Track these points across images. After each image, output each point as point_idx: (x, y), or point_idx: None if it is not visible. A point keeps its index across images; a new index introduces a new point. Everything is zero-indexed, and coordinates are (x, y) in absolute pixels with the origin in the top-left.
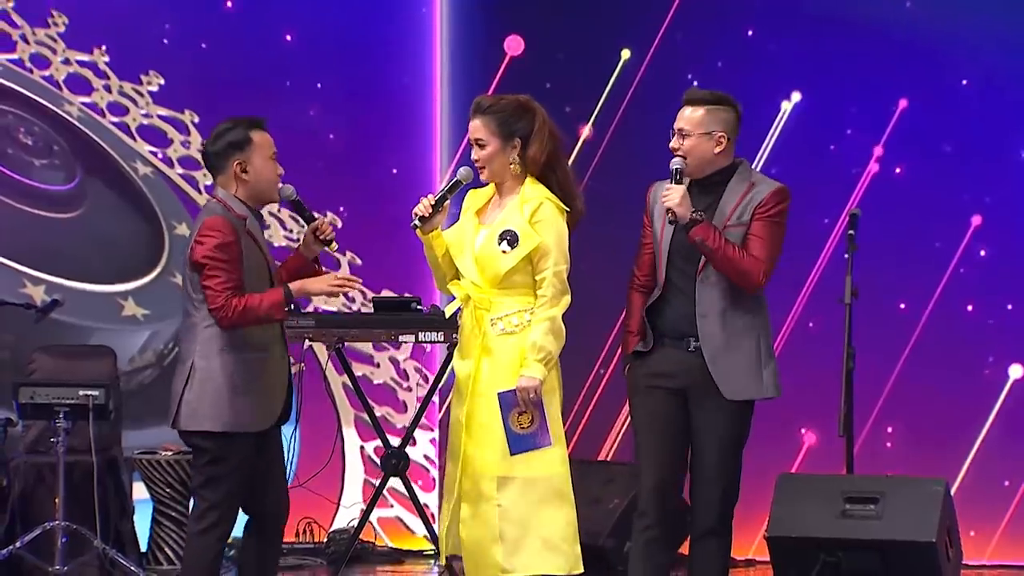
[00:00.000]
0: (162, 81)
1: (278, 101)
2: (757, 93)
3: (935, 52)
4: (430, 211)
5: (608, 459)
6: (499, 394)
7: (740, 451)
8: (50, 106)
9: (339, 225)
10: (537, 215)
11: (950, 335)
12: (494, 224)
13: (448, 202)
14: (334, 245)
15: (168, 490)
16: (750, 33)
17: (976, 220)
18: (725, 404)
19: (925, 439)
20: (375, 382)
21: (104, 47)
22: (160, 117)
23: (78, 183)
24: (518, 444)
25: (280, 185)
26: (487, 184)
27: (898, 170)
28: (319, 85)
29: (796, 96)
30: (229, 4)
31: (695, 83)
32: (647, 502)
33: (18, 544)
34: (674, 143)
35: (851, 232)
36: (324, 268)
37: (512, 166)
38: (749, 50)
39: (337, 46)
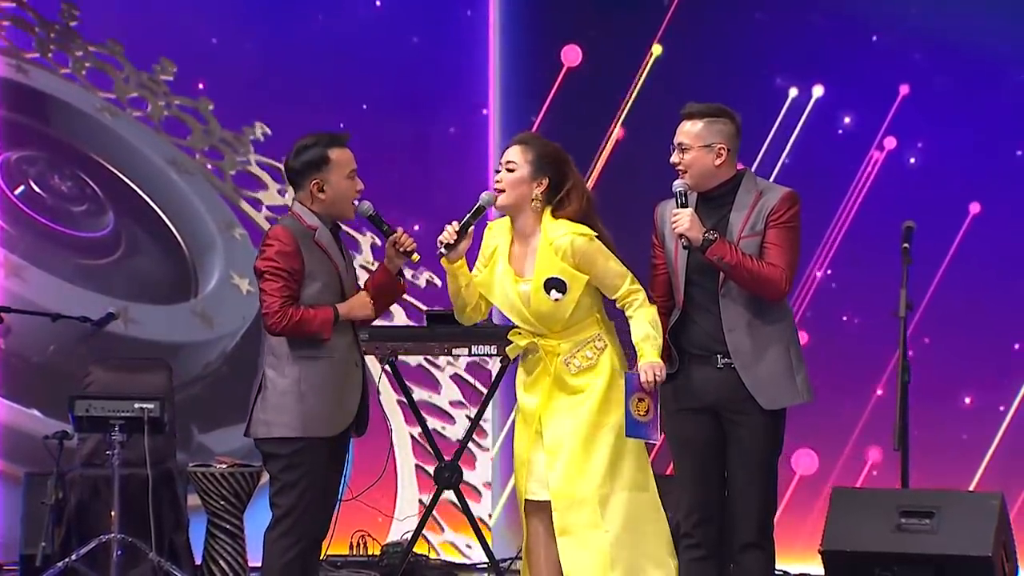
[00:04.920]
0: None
1: (327, 116)
2: (762, 81)
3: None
4: (455, 237)
5: (660, 474)
6: (627, 374)
7: (775, 461)
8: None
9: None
10: (572, 255)
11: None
12: (534, 275)
13: (472, 228)
14: (416, 256)
15: (222, 503)
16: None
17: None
18: (758, 416)
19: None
20: (430, 400)
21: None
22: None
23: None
24: (634, 429)
25: (357, 202)
26: (502, 213)
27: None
28: (364, 106)
29: (797, 87)
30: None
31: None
32: (689, 524)
33: (73, 557)
34: (674, 158)
35: (905, 245)
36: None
37: (533, 202)
38: (753, 38)
39: (385, 62)
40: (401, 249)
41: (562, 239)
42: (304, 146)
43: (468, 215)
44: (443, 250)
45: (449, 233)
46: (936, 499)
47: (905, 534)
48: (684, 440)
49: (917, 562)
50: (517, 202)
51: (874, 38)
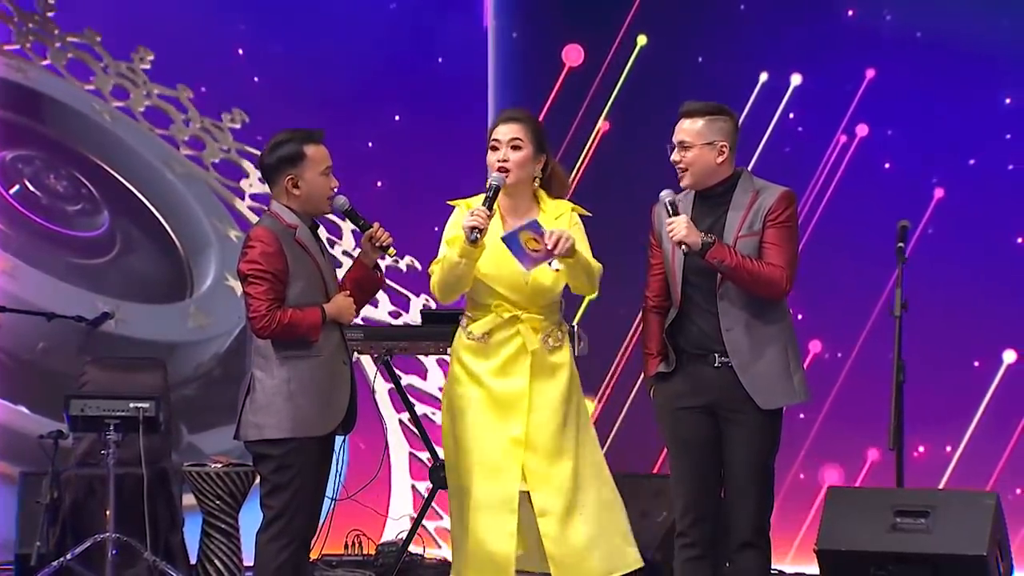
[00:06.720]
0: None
1: (325, 116)
2: (738, 71)
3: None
4: (487, 222)
5: (655, 472)
6: (535, 220)
7: (772, 461)
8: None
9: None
10: (571, 223)
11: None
12: None
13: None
14: (392, 251)
15: (217, 502)
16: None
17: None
18: (755, 416)
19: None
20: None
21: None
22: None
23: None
24: (512, 243)
25: (332, 197)
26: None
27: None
28: (356, 101)
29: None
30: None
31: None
32: (684, 523)
33: (68, 556)
34: (675, 156)
35: (900, 244)
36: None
37: (535, 178)
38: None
39: (386, 61)
40: (378, 244)
41: (563, 210)
42: (279, 142)
43: (489, 197)
44: (476, 235)
45: (484, 217)
46: (931, 498)
47: (900, 533)
48: (681, 439)
49: (912, 561)
50: (524, 180)
51: (850, 13)
